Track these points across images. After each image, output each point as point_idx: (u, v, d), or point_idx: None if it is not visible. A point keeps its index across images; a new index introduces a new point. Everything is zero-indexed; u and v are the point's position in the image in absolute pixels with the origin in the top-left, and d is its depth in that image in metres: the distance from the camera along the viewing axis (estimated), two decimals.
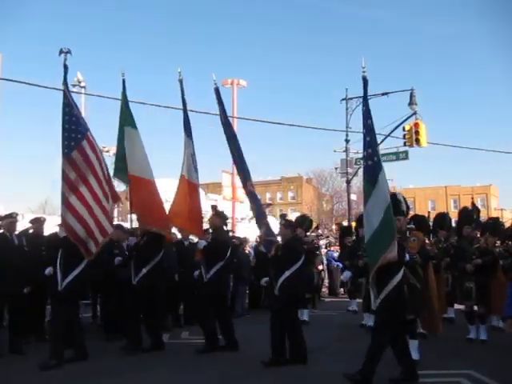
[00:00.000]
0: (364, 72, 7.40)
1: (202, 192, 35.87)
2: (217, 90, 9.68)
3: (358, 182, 34.18)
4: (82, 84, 29.30)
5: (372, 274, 6.76)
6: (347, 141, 27.49)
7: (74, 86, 28.89)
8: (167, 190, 28.06)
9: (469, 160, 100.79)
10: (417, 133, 24.66)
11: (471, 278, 9.60)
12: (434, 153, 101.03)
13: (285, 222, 8.75)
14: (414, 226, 8.63)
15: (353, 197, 30.94)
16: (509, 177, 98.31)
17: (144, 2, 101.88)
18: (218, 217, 9.49)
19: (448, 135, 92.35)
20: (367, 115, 7.25)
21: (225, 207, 27.95)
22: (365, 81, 7.38)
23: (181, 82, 9.97)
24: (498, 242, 10.94)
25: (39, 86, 19.57)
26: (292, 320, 8.09)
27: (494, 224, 11.56)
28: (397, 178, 61.62)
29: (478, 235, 10.94)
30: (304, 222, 12.69)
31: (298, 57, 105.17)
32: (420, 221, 10.37)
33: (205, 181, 50.15)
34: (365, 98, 7.47)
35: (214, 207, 9.60)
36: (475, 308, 9.70)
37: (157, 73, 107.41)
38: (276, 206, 65.03)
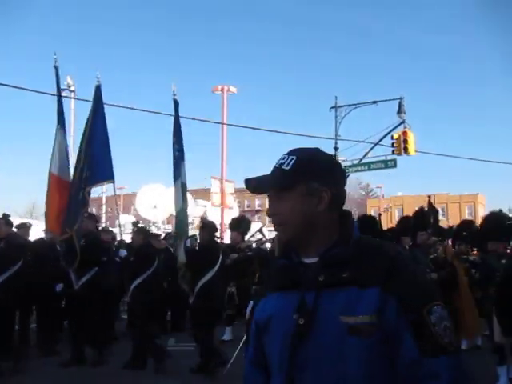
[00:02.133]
0: (175, 96, 9.35)
1: (190, 198, 36.01)
2: (175, 102, 9.58)
3: (346, 189, 34.32)
4: (72, 88, 29.26)
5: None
6: (336, 148, 27.60)
7: (63, 90, 29.02)
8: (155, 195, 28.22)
9: (457, 168, 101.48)
10: (405, 141, 24.93)
11: None
12: (422, 161, 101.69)
13: (137, 229, 8.76)
14: None
15: None
16: (496, 185, 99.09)
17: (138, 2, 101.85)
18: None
19: (437, 143, 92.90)
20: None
21: (213, 213, 28.13)
22: (176, 103, 9.34)
23: (56, 68, 9.31)
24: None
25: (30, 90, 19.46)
26: (145, 331, 8.08)
27: (462, 229, 9.71)
28: (385, 185, 61.91)
29: (449, 243, 9.31)
30: (239, 224, 10.64)
31: (286, 63, 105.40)
32: (366, 222, 8.16)
33: (194, 187, 50.37)
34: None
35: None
36: None
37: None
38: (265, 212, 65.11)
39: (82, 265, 8.11)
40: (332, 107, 27.95)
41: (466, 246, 9.13)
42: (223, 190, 26.71)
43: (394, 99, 25.93)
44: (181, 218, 8.66)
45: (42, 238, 10.05)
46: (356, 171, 27.84)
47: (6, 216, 8.91)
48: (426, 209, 9.35)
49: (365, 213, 10.53)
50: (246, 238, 10.74)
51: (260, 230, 11.00)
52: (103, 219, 31.19)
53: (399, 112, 25.40)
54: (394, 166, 26.06)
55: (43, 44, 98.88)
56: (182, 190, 8.64)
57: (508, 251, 8.05)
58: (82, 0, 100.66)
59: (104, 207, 34.83)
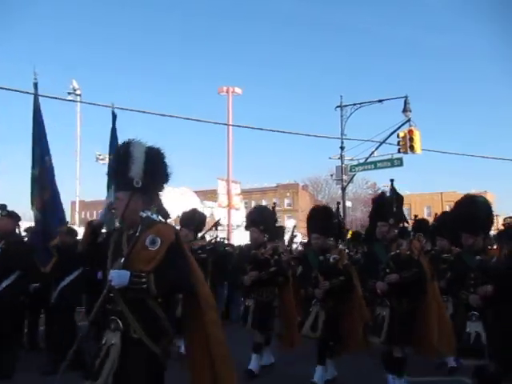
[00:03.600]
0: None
1: (197, 199, 36.05)
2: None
3: (353, 188, 34.46)
4: (78, 92, 29.44)
5: None
6: (342, 148, 27.58)
7: (69, 93, 29.21)
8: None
9: (464, 166, 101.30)
10: (411, 139, 24.74)
11: (385, 303, 6.24)
12: (429, 159, 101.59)
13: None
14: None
15: (348, 204, 31.15)
16: (505, 183, 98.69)
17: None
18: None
19: (443, 142, 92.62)
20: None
21: (221, 214, 28.26)
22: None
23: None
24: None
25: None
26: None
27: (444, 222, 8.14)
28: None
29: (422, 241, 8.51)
30: (190, 220, 8.66)
31: (293, 62, 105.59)
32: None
33: (201, 188, 50.61)
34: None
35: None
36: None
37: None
38: None
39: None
40: (337, 106, 27.91)
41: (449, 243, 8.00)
42: (230, 191, 26.81)
43: (399, 97, 25.85)
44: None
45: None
46: (363, 170, 27.78)
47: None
48: (388, 194, 7.13)
49: None
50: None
51: (216, 226, 9.30)
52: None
53: (404, 110, 25.24)
54: (401, 164, 25.82)
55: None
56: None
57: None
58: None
59: None
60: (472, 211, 5.54)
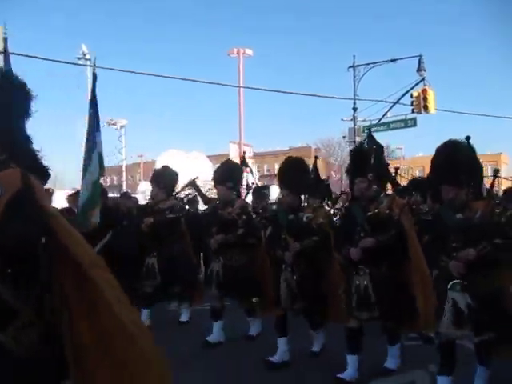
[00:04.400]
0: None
1: (210, 163, 35.34)
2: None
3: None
4: (87, 56, 28.69)
5: None
6: (355, 109, 26.68)
7: (79, 58, 28.46)
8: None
9: (478, 127, 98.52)
10: (425, 99, 23.99)
11: (363, 271, 5.32)
12: (443, 120, 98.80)
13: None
14: None
15: None
16: None
17: None
18: None
19: (457, 102, 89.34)
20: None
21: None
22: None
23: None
24: None
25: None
26: None
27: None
28: (406, 146, 60.17)
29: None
30: (161, 177, 7.92)
31: (303, 25, 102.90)
32: None
33: (213, 152, 49.78)
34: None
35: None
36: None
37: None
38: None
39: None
40: (350, 66, 27.03)
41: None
42: (242, 155, 26.00)
43: (413, 57, 24.78)
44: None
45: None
46: (375, 131, 26.63)
47: None
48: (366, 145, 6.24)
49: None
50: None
51: (192, 183, 7.95)
52: (124, 187, 30.87)
53: (419, 69, 24.29)
54: (414, 124, 25.15)
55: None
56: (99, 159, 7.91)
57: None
58: None
59: (124, 175, 34.42)
60: (451, 158, 4.60)
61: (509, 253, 4.41)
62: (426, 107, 23.93)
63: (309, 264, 5.90)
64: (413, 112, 24.74)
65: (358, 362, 5.47)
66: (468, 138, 4.94)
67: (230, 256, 6.69)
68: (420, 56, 24.21)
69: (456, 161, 4.60)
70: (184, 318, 8.11)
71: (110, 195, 15.08)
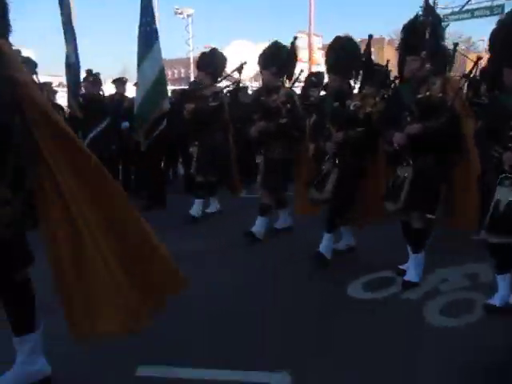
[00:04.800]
0: None
1: None
2: None
3: (445, 43, 31.08)
4: None
5: None
6: None
7: None
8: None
9: None
10: None
11: (407, 161, 4.69)
12: None
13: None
14: None
15: None
16: None
17: None
18: None
19: None
20: None
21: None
22: None
23: None
24: None
25: None
26: None
27: None
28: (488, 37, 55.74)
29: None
30: (208, 62, 7.21)
31: None
32: None
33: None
34: None
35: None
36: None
37: None
38: None
39: None
40: None
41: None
42: (311, 45, 24.81)
43: None
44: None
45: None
46: (457, 19, 24.64)
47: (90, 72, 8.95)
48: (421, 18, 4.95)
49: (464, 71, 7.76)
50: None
51: (240, 69, 6.95)
52: (191, 79, 30.43)
53: None
54: (502, 11, 22.79)
55: None
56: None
57: None
58: None
59: (192, 67, 33.83)
60: None
61: None
62: None
63: (353, 156, 5.29)
64: None
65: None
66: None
67: (272, 148, 6.12)
68: None
69: None
70: (211, 209, 7.85)
71: (178, 87, 14.75)
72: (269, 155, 6.14)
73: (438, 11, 24.31)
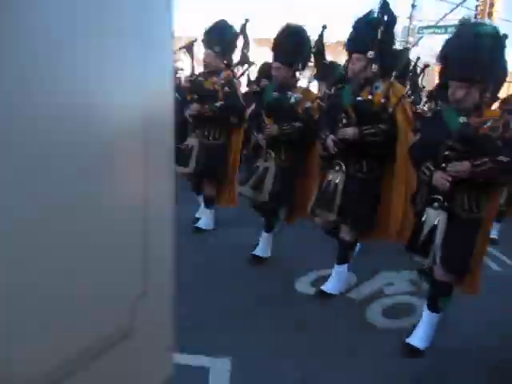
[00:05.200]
0: None
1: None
2: None
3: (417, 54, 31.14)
4: None
5: None
6: (413, 6, 24.54)
7: None
8: None
9: None
10: (491, 5, 21.85)
11: (339, 166, 4.33)
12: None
13: None
14: None
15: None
16: None
17: None
18: None
19: None
20: None
21: None
22: None
23: None
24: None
25: None
26: None
27: None
28: None
29: None
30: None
31: None
32: None
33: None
34: None
35: None
36: None
37: None
38: None
39: None
40: None
41: None
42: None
43: None
44: None
45: None
46: (432, 33, 24.52)
47: None
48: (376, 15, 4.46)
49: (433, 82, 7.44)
50: None
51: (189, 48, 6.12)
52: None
53: None
54: None
55: None
56: None
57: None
58: None
59: None
60: (468, 45, 3.42)
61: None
62: (490, 14, 21.93)
63: (290, 152, 4.86)
64: (475, 18, 22.53)
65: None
66: (505, 36, 3.66)
67: (207, 132, 5.62)
68: None
69: (475, 49, 3.40)
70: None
71: None
72: (203, 140, 5.63)
73: (414, 23, 24.49)
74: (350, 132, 4.07)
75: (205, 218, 5.94)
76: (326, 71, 5.54)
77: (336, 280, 4.57)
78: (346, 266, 4.57)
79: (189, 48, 5.93)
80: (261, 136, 4.76)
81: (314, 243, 5.23)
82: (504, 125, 3.49)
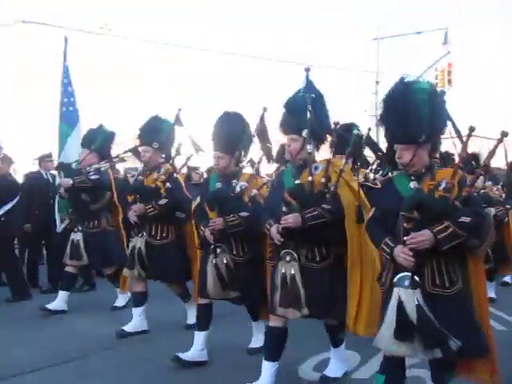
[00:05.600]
0: None
1: None
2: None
3: None
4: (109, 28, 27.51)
5: None
6: (377, 82, 25.32)
7: (101, 28, 27.20)
8: None
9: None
10: (449, 73, 22.61)
11: (290, 256, 3.92)
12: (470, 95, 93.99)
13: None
14: None
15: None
16: None
17: None
18: None
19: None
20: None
21: None
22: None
23: None
24: None
25: None
26: None
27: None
28: None
29: None
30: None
31: None
32: None
33: None
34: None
35: None
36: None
37: None
38: None
39: None
40: (374, 39, 25.57)
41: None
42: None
43: (439, 29, 23.43)
44: None
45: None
46: None
47: None
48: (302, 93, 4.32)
49: None
50: None
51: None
52: None
53: (444, 43, 22.98)
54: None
55: None
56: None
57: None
58: None
59: None
60: (406, 104, 3.23)
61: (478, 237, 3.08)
62: (450, 81, 22.87)
63: (241, 245, 4.44)
64: (436, 86, 23.12)
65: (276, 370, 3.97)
66: (442, 92, 3.55)
67: (154, 232, 5.21)
68: (446, 29, 23.16)
69: (412, 109, 3.19)
70: (119, 302, 6.55)
71: None
72: (151, 240, 5.19)
73: (381, 98, 24.95)
74: (291, 219, 3.64)
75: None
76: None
77: (336, 362, 4.27)
78: (342, 346, 4.27)
79: (135, 150, 5.65)
80: (207, 231, 4.33)
81: (310, 327, 4.62)
82: (459, 183, 3.14)
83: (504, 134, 3.12)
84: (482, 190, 6.82)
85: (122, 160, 6.45)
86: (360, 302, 3.76)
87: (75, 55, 8.70)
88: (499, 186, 8.58)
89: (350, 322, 3.77)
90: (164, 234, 5.21)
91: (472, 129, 3.20)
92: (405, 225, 3.05)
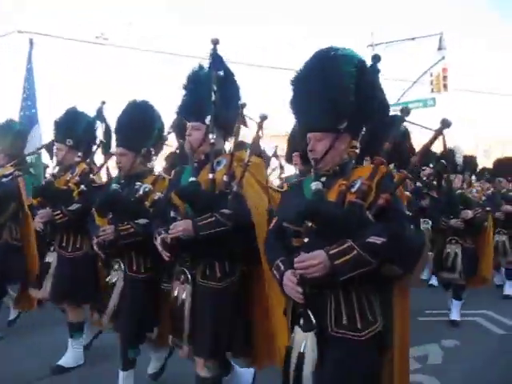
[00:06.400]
0: None
1: None
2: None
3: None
4: (105, 36, 27.11)
5: None
6: None
7: (97, 38, 26.82)
8: None
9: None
10: (444, 78, 22.08)
11: (184, 276, 3.29)
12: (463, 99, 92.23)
13: None
14: None
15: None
16: None
17: None
18: None
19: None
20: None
21: None
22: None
23: None
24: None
25: None
26: None
27: None
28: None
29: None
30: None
31: None
32: None
33: None
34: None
35: None
36: None
37: None
38: None
39: None
40: (369, 45, 24.95)
41: None
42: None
43: (433, 34, 22.81)
44: None
45: None
46: (393, 112, 24.35)
47: None
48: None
49: None
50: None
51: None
52: None
53: (439, 48, 22.41)
54: (433, 104, 23.19)
55: None
56: None
57: None
58: None
59: None
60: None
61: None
62: (445, 86, 22.15)
63: (143, 259, 3.76)
64: (432, 91, 22.72)
65: None
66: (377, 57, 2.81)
67: (66, 243, 4.49)
68: (441, 34, 22.59)
69: (333, 85, 2.43)
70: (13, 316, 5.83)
71: None
72: (61, 251, 4.49)
73: None
74: (180, 227, 2.96)
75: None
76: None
77: None
78: None
79: (49, 147, 4.98)
80: (94, 240, 3.67)
81: None
82: (379, 184, 2.33)
83: (446, 124, 2.32)
84: (459, 191, 6.19)
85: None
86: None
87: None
88: (478, 188, 8.23)
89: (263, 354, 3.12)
90: (77, 245, 4.49)
91: (446, 123, 2.33)
92: (293, 241, 2.34)
